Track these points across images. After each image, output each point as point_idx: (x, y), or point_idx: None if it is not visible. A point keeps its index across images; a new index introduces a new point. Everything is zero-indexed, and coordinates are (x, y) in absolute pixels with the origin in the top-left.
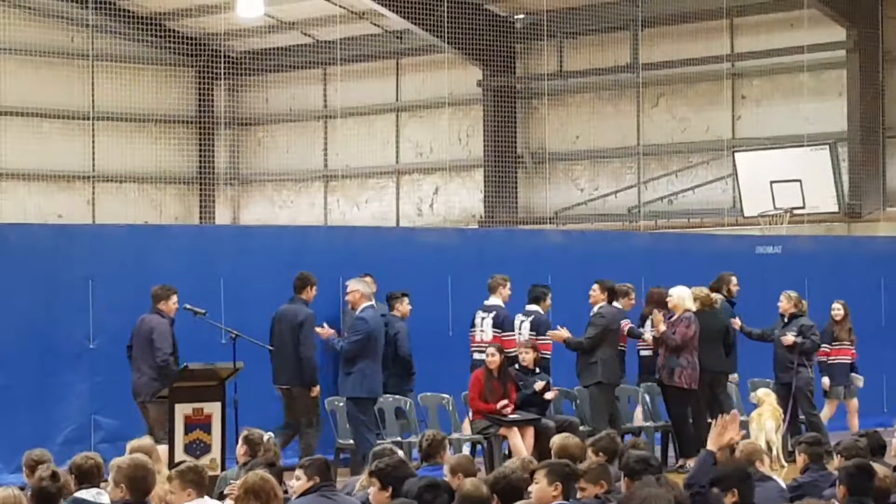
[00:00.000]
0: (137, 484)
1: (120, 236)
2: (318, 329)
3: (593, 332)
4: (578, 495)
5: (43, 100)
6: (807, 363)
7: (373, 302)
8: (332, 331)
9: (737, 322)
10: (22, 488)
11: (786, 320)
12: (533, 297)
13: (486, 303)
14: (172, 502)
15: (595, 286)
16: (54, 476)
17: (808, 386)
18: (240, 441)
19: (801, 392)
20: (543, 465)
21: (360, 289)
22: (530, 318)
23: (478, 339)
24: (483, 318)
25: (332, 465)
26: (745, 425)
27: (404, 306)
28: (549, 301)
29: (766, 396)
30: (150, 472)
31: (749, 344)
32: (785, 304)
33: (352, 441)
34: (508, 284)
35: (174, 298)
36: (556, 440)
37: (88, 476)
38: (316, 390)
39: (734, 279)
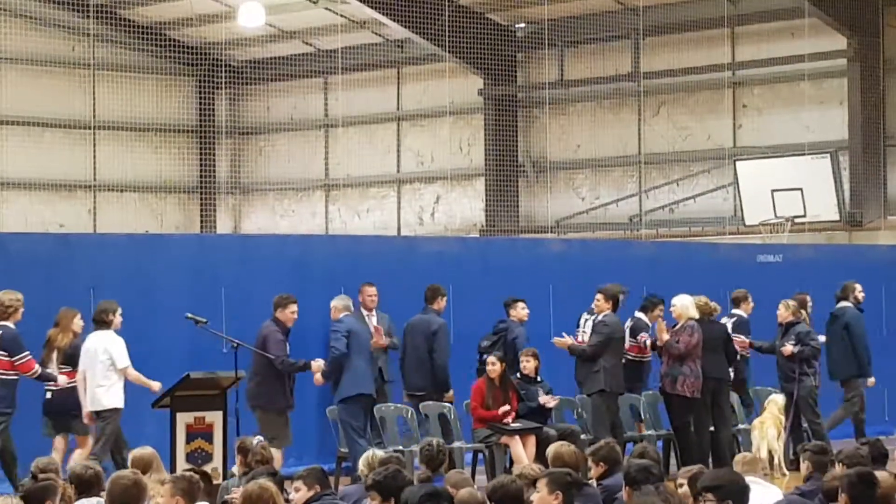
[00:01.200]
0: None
1: (121, 245)
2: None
3: (597, 340)
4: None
5: (44, 109)
6: (808, 371)
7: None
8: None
9: (745, 341)
10: None
11: (784, 329)
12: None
13: None
14: None
15: (599, 295)
16: (34, 477)
17: (811, 394)
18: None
19: (804, 401)
20: (545, 474)
21: (335, 304)
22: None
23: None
24: None
25: (335, 475)
26: (747, 433)
27: (519, 311)
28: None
29: (767, 404)
30: (142, 489)
31: (755, 354)
32: (783, 312)
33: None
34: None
35: (292, 307)
36: (552, 448)
37: (88, 486)
38: (449, 395)
39: (858, 286)
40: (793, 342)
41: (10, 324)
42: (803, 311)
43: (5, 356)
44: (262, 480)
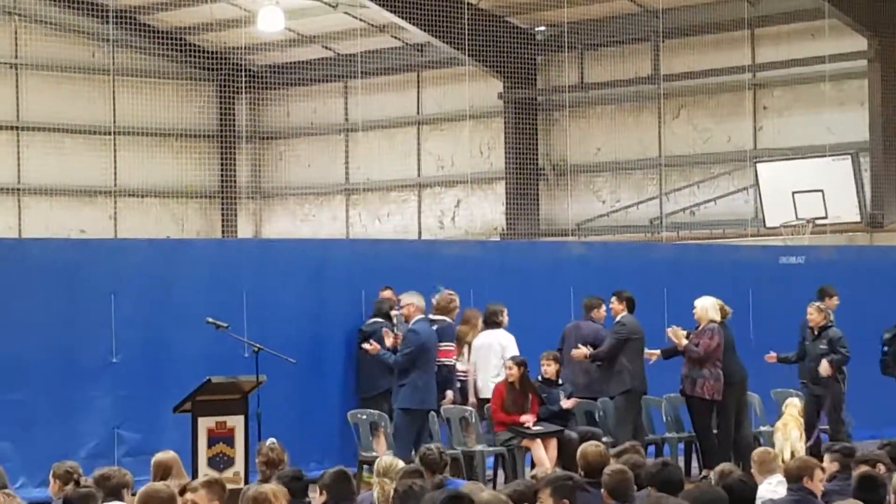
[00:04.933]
0: None
1: (142, 251)
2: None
3: (614, 341)
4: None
5: (64, 115)
6: (839, 377)
7: (425, 315)
8: (379, 346)
9: (772, 356)
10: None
11: (816, 333)
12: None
13: None
14: None
15: (613, 297)
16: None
17: (839, 400)
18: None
19: (831, 406)
20: (546, 485)
21: (414, 302)
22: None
23: None
24: None
25: (357, 478)
26: (769, 435)
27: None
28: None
29: (787, 406)
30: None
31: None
32: (815, 316)
33: (374, 453)
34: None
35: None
36: (581, 448)
37: (115, 491)
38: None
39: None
40: (824, 347)
41: None
42: (831, 312)
43: None
44: (269, 485)
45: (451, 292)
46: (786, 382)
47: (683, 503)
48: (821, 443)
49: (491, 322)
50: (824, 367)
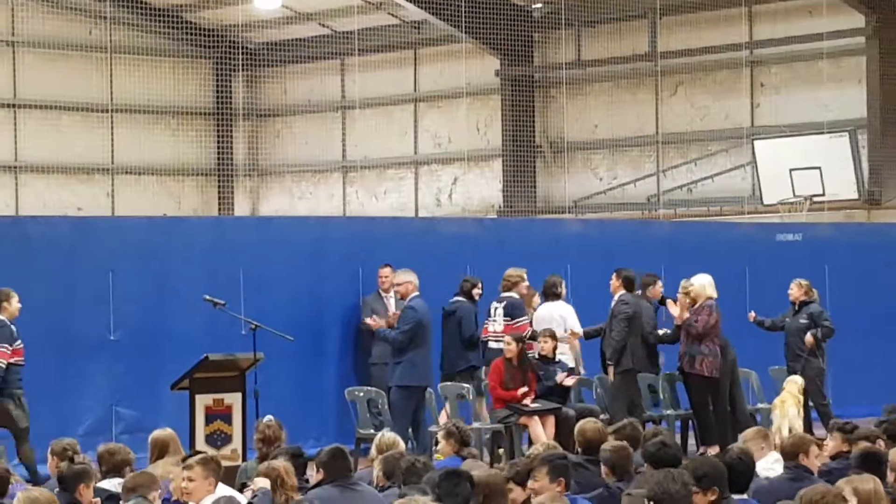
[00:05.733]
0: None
1: (139, 228)
2: (367, 320)
3: (622, 322)
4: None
5: (61, 93)
6: (817, 353)
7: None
8: (382, 322)
9: (751, 315)
10: (47, 478)
11: (796, 308)
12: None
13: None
14: (189, 489)
15: (613, 275)
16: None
17: (818, 375)
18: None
19: (811, 382)
20: (541, 462)
21: (411, 280)
22: (503, 304)
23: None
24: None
25: (354, 455)
26: (766, 412)
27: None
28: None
29: (786, 384)
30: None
31: (765, 333)
32: (796, 291)
33: (372, 431)
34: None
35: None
36: (580, 425)
37: (118, 467)
38: None
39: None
40: (805, 321)
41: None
42: (815, 291)
43: None
44: (277, 462)
45: (518, 270)
46: (782, 360)
47: (685, 473)
48: (811, 421)
49: (550, 294)
50: (808, 340)
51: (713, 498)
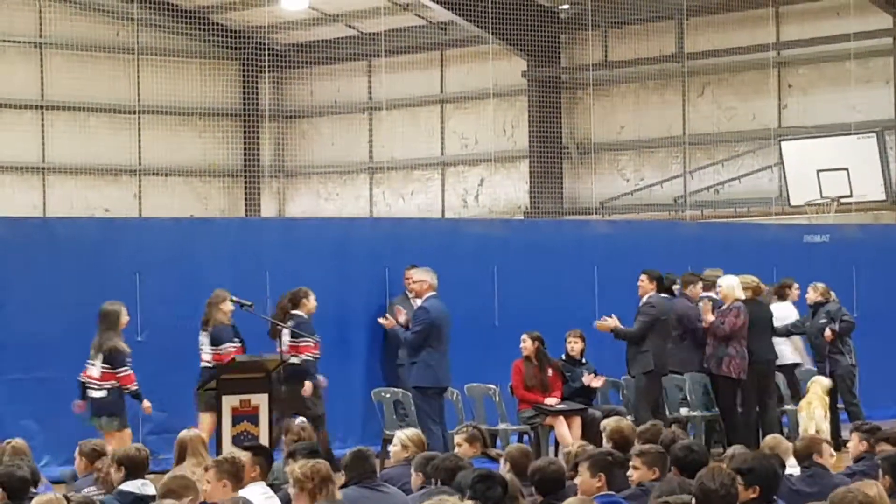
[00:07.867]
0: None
1: (166, 229)
2: (381, 320)
3: (644, 321)
4: (630, 473)
5: (89, 94)
6: (843, 350)
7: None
8: (395, 322)
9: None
10: (75, 477)
11: (814, 311)
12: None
13: None
14: (208, 493)
15: (643, 276)
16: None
17: (848, 374)
18: None
19: (841, 381)
20: (586, 458)
21: (426, 279)
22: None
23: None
24: None
25: (380, 456)
26: (793, 414)
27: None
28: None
29: (811, 385)
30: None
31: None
32: (812, 294)
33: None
34: None
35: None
36: (611, 423)
37: (137, 468)
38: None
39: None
40: (824, 321)
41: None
42: (832, 293)
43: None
44: (322, 462)
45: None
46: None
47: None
48: (839, 422)
49: (780, 294)
50: (827, 334)
51: (753, 496)
